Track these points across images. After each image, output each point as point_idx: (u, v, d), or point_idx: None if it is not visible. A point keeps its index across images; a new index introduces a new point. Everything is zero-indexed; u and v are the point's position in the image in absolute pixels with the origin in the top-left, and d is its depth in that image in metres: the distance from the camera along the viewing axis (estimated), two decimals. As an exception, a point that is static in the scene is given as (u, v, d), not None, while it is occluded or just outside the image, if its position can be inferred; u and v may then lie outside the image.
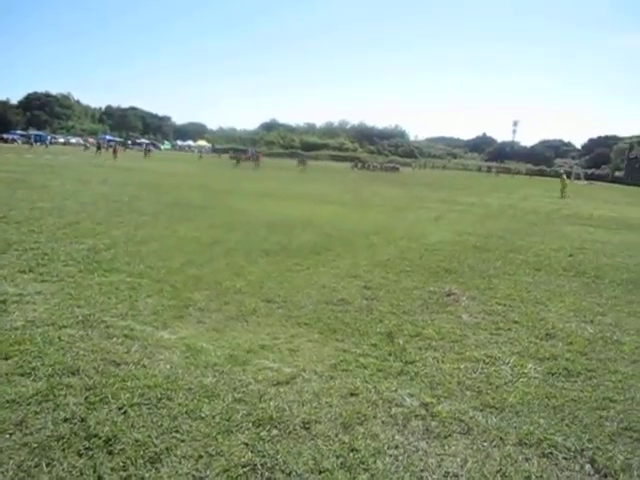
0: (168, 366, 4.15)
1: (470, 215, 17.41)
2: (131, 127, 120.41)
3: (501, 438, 3.46)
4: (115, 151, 47.69)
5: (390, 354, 4.75)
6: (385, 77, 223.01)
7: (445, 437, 3.44)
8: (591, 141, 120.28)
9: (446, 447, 3.32)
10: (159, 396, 3.64)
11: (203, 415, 3.44)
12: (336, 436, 3.33)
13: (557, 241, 12.38)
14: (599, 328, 5.91)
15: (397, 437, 3.39)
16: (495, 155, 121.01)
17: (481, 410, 3.83)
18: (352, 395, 3.90)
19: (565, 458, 3.28)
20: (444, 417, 3.67)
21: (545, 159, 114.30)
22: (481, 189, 36.08)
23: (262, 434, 3.28)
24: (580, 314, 6.41)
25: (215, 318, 5.40)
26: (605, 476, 3.13)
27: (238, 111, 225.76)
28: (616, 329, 5.92)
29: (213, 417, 3.43)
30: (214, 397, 3.69)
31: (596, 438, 3.52)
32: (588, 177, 74.23)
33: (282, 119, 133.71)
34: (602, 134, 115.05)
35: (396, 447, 3.28)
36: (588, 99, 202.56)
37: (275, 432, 3.33)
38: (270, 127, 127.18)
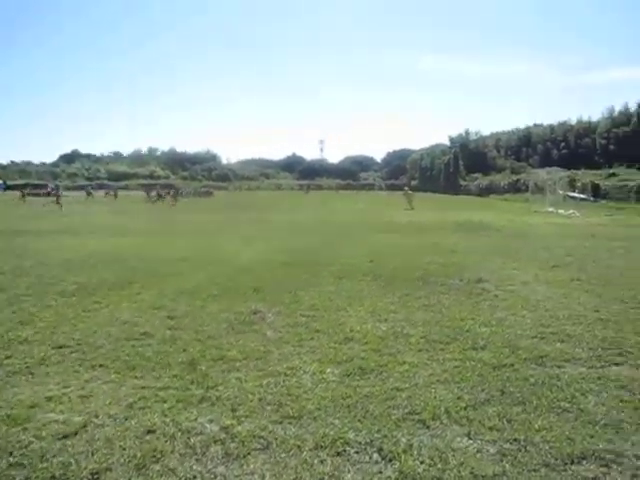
0: None
1: (281, 232, 17.93)
2: None
3: (298, 446, 3.55)
4: None
5: (192, 382, 4.64)
6: (193, 101, 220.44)
7: (244, 456, 3.43)
8: (389, 154, 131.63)
9: (245, 467, 3.32)
10: None
11: (-33, 491, 3.03)
12: (129, 480, 3.15)
13: (360, 249, 13.27)
14: (391, 325, 6.41)
15: (195, 467, 3.30)
16: (306, 173, 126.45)
17: (280, 422, 3.90)
18: (149, 433, 3.73)
19: (357, 452, 3.47)
20: (244, 437, 3.66)
21: (352, 174, 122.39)
22: (292, 206, 37.39)
23: (41, 496, 2.98)
24: (376, 315, 6.90)
25: (-7, 376, 4.81)
26: (390, 460, 3.37)
27: (32, 143, 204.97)
28: (406, 324, 6.47)
29: (-19, 490, 3.03)
30: (-17, 467, 3.27)
31: (384, 427, 3.78)
32: (388, 187, 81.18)
33: (84, 149, 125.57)
34: (398, 148, 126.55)
35: (194, 478, 3.19)
36: (387, 115, 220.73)
37: (57, 491, 3.04)
38: (71, 158, 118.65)
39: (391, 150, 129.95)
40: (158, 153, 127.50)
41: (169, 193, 45.96)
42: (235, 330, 6.26)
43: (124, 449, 3.50)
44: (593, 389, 4.46)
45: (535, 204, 35.04)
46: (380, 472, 3.25)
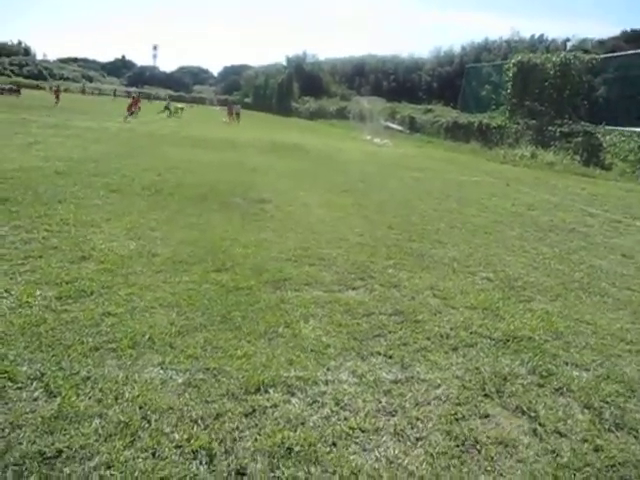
0: None
1: (77, 140, 16.11)
2: None
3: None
4: None
5: None
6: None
7: None
8: (226, 69, 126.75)
9: None
10: None
11: None
12: None
13: (153, 162, 12.33)
14: (142, 243, 5.88)
15: None
16: (135, 80, 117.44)
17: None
18: None
19: (19, 388, 2.99)
20: None
21: (185, 85, 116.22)
22: (109, 113, 34.24)
23: None
24: (131, 232, 6.29)
25: None
26: (53, 396, 2.93)
27: None
28: (160, 242, 5.99)
29: None
30: None
31: (68, 358, 3.33)
32: (221, 102, 78.35)
33: None
34: (237, 63, 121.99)
35: None
36: (227, 26, 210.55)
37: None
38: None
39: (229, 65, 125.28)
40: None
41: None
42: (-51, 246, 5.29)
43: None
44: (318, 314, 4.43)
45: (355, 131, 36.14)
46: (33, 411, 2.80)
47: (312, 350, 3.76)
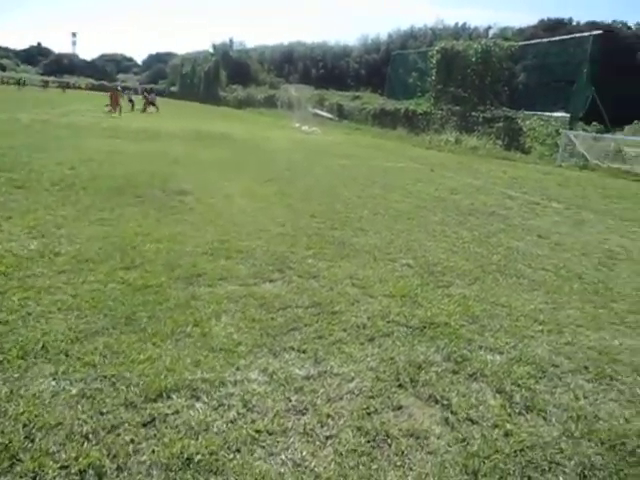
0: None
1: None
2: None
3: None
4: None
5: None
6: None
7: None
8: (150, 57, 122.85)
9: None
10: None
11: None
12: None
13: (68, 154, 11.66)
14: (45, 242, 5.48)
15: None
16: (53, 68, 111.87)
17: None
18: None
19: None
20: None
21: (107, 74, 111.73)
22: (19, 104, 32.37)
23: None
24: (34, 231, 5.86)
25: None
26: None
27: None
28: (65, 240, 5.61)
29: None
30: None
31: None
32: (147, 91, 75.80)
33: None
34: (162, 50, 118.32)
35: None
36: (147, 16, 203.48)
37: None
38: None
39: (154, 52, 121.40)
40: None
41: None
42: None
43: None
44: (230, 309, 4.24)
45: (284, 119, 35.86)
46: None
47: (221, 349, 3.58)
